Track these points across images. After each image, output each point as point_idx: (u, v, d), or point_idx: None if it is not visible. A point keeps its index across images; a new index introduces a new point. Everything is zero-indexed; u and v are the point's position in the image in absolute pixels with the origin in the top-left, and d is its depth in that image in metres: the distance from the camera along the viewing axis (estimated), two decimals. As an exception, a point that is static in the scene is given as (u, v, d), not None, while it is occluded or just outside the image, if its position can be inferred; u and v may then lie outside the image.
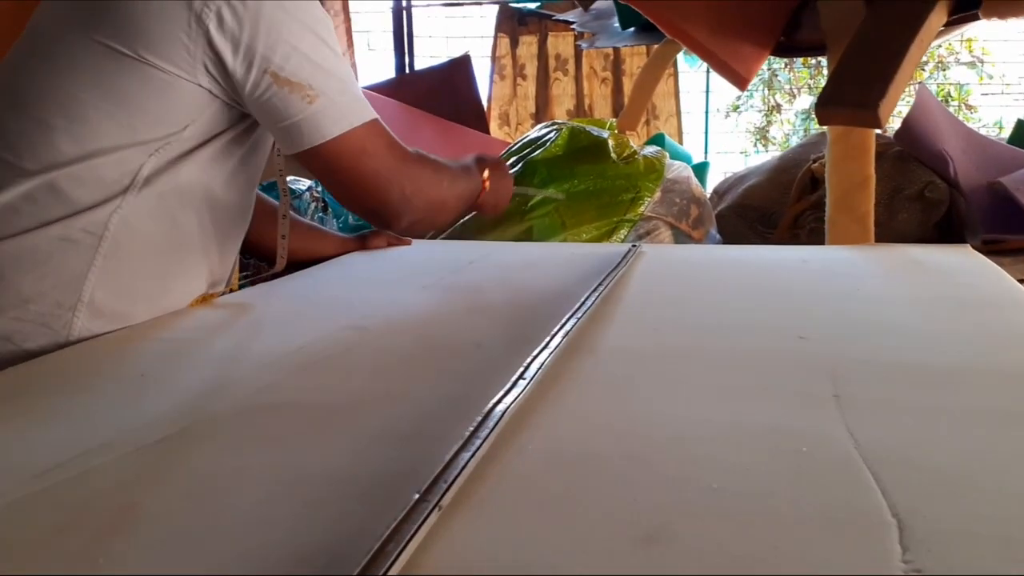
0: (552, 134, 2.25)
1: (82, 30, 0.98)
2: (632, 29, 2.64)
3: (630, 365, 0.84)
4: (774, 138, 8.62)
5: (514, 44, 3.82)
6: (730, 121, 8.37)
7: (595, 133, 2.24)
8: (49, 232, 0.97)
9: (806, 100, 8.10)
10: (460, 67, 3.55)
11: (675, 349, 0.90)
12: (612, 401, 0.74)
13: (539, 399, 0.71)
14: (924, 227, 2.21)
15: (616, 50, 3.73)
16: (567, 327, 0.92)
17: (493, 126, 3.76)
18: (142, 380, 0.83)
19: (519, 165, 2.21)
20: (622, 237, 2.09)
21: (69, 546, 0.49)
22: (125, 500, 0.55)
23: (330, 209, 2.62)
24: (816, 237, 2.36)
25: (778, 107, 8.61)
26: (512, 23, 3.86)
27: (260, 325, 1.06)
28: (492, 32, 3.93)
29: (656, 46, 2.51)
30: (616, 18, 2.76)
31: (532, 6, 3.97)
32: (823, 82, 8.31)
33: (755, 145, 8.55)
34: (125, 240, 1.01)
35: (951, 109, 7.58)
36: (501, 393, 0.70)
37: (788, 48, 1.90)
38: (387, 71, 3.89)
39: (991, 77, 7.50)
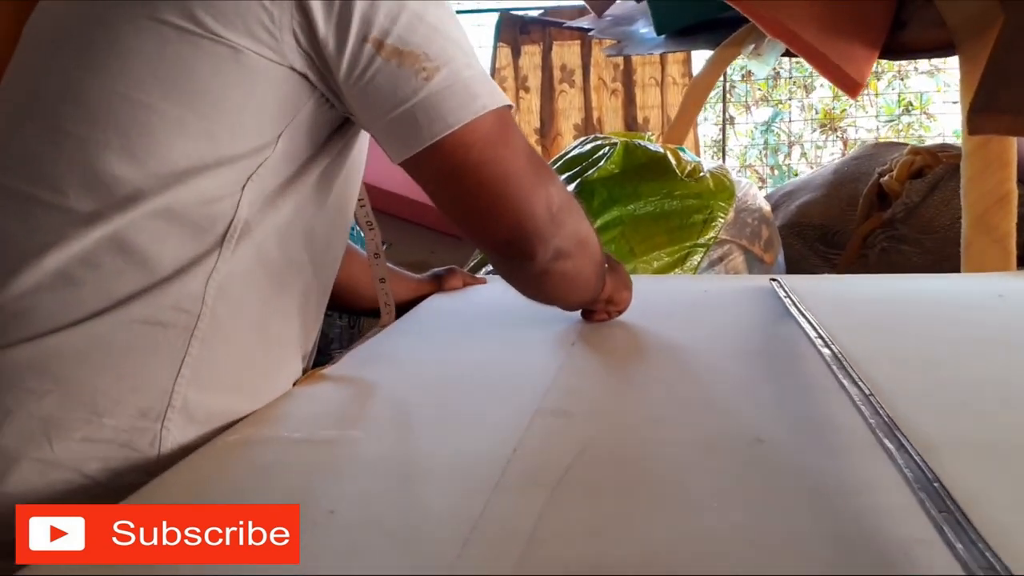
0: (606, 149, 2.01)
1: (129, 9, 0.70)
2: (664, 36, 2.41)
3: (998, 466, 0.61)
4: (731, 150, 8.54)
5: (516, 54, 3.54)
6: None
7: (651, 148, 2.01)
8: (127, 314, 0.69)
9: (765, 112, 8.02)
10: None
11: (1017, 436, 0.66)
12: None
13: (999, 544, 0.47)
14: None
15: (627, 59, 3.49)
16: (873, 410, 0.68)
17: (493, 143, 3.50)
18: (333, 517, 0.55)
19: (572, 185, 1.96)
20: (696, 264, 1.86)
21: None
22: None
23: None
24: (888, 258, 2.16)
25: (731, 120, 8.54)
26: (514, 32, 3.57)
27: (416, 412, 0.79)
28: (492, 42, 3.66)
29: (714, 51, 2.29)
30: (640, 23, 2.54)
31: (535, 13, 3.72)
32: (779, 95, 8.25)
33: (713, 158, 8.45)
34: (225, 315, 0.73)
35: (912, 118, 7.59)
36: (957, 542, 0.45)
37: (894, 49, 1.69)
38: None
39: (948, 86, 7.51)
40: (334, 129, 0.78)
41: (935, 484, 0.53)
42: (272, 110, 0.72)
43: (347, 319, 1.50)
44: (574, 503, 0.57)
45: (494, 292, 1.38)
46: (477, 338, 1.06)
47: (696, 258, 1.86)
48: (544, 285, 0.85)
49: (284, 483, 0.63)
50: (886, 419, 0.66)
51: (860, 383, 0.74)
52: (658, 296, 1.27)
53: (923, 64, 7.34)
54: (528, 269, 0.80)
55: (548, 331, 1.05)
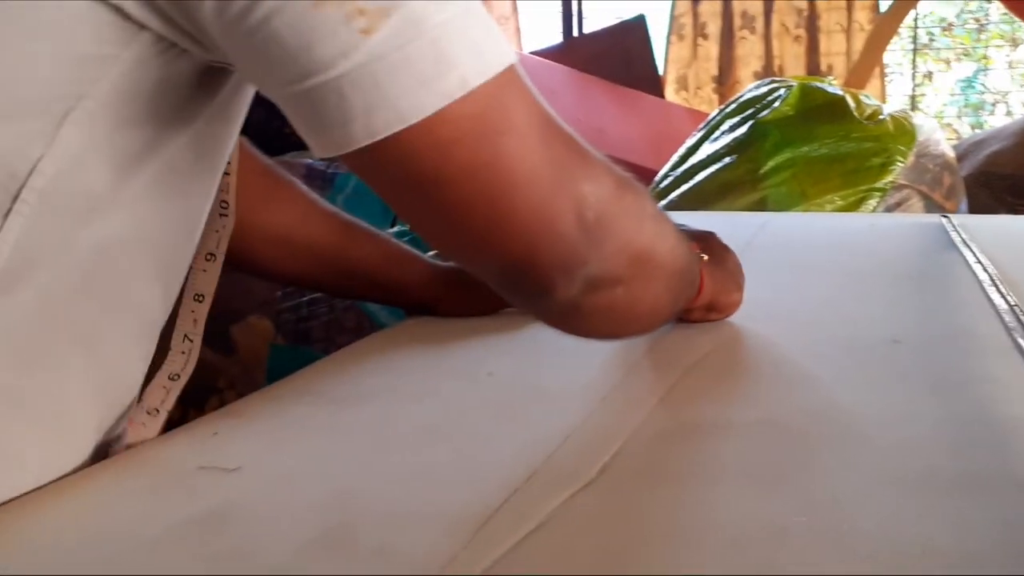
0: (782, 91, 2.00)
1: None
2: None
3: None
4: (926, 109, 8.06)
5: (695, 1, 3.52)
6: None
7: (830, 90, 1.98)
8: None
9: (968, 67, 7.53)
10: (634, 30, 3.30)
11: None
12: None
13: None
14: None
15: (811, 4, 3.40)
16: (1015, 319, 0.70)
17: (669, 91, 3.50)
18: (490, 378, 0.63)
19: (744, 128, 1.97)
20: (871, 209, 1.83)
21: None
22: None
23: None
24: (1083, 209, 2.05)
25: (930, 75, 8.05)
26: (694, -23, 3.55)
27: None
28: (670, -12, 3.64)
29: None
30: (826, -34, 2.47)
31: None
32: (984, 51, 7.70)
33: (907, 115, 7.98)
34: None
35: None
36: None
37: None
38: (554, 35, 3.67)
39: None
40: (192, 86, 0.49)
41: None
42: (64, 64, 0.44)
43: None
44: (704, 379, 0.62)
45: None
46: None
47: (872, 203, 1.83)
48: (574, 322, 0.55)
49: (453, 354, 0.71)
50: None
51: (1007, 296, 0.75)
52: (819, 229, 1.28)
53: None
54: (544, 306, 0.53)
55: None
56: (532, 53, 3.50)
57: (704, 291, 0.69)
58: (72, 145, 0.45)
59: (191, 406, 0.80)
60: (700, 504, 0.44)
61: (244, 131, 0.59)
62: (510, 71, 0.45)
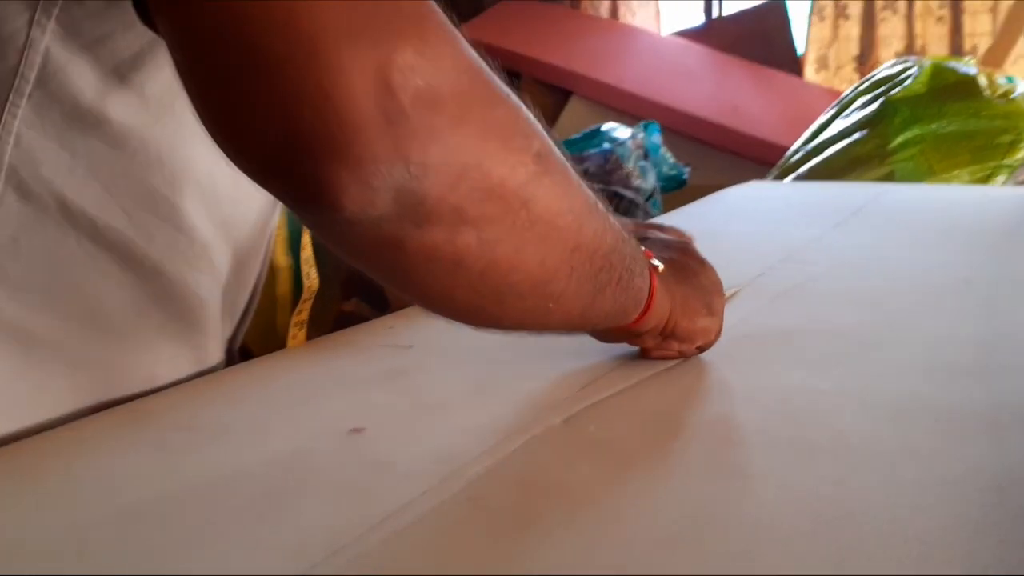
0: (914, 70, 2.04)
1: None
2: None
3: None
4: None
5: (839, -18, 3.53)
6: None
7: (962, 70, 2.01)
8: None
9: None
10: (774, 12, 3.35)
11: None
12: None
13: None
14: None
15: (957, -17, 3.36)
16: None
17: (809, 71, 3.51)
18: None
19: (875, 105, 2.03)
20: (999, 185, 1.86)
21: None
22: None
23: (650, 157, 2.52)
24: None
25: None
26: (837, -44, 3.55)
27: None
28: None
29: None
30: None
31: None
32: None
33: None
34: None
35: None
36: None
37: None
38: (696, 16, 3.74)
39: None
40: None
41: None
42: None
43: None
44: (782, 303, 0.74)
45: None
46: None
47: (1000, 179, 1.86)
48: (401, 269, 0.39)
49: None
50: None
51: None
52: (932, 198, 1.36)
53: None
54: (339, 228, 0.36)
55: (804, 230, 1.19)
56: (673, 35, 3.59)
57: (653, 309, 0.52)
58: (48, 50, 0.45)
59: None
60: (740, 374, 0.58)
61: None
62: None
